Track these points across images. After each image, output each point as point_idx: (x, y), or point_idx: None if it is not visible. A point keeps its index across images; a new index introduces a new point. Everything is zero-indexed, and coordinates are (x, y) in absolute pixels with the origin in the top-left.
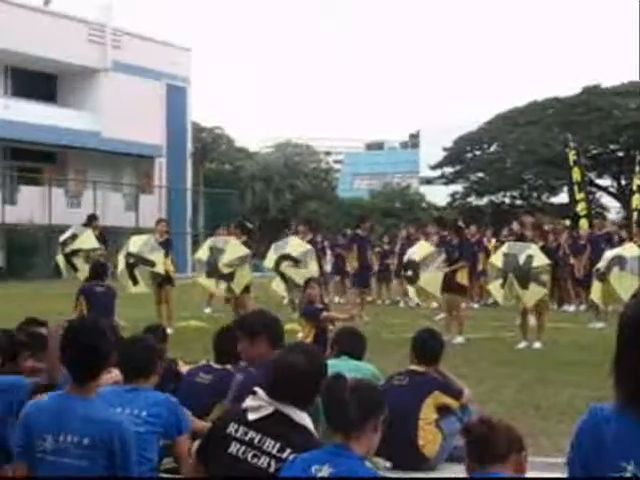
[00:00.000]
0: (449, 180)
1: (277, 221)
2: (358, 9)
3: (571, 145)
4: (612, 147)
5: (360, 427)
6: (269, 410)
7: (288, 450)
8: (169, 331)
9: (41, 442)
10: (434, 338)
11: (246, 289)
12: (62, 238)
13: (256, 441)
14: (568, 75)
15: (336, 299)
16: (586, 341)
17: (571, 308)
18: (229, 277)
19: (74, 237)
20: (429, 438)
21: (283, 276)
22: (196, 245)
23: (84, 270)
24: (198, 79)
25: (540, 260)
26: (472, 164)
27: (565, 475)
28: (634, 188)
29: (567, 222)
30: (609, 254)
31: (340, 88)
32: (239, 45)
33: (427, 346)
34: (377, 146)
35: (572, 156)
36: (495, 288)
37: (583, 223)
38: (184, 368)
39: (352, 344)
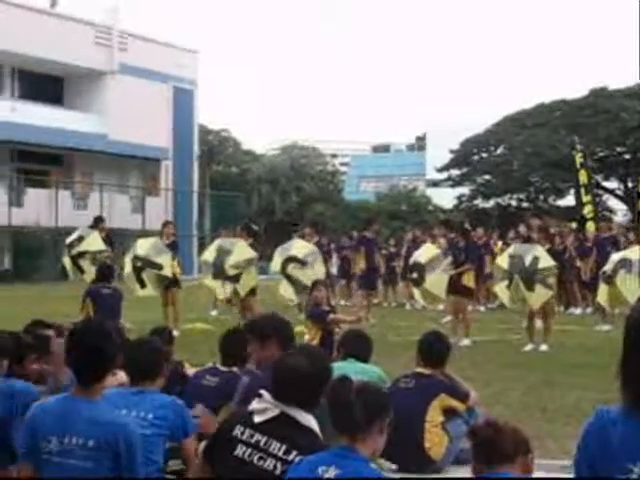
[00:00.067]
0: (455, 182)
1: (283, 223)
2: (363, 11)
3: (578, 147)
4: (619, 150)
5: (366, 429)
6: (275, 412)
7: (294, 452)
8: (175, 333)
9: (46, 444)
10: (440, 341)
11: (252, 292)
12: (69, 240)
13: (262, 443)
14: (575, 77)
15: (342, 302)
16: (592, 344)
17: (577, 311)
18: (235, 279)
19: (80, 239)
20: (435, 441)
21: (290, 279)
22: (202, 247)
23: (90, 272)
24: (205, 81)
25: (546, 262)
26: (479, 166)
27: (572, 477)
28: None
29: (573, 225)
30: (615, 257)
31: (346, 90)
32: (246, 47)
33: (433, 349)
34: (383, 148)
35: (579, 158)
36: (501, 290)
37: (590, 226)
38: (190, 370)
39: (358, 347)
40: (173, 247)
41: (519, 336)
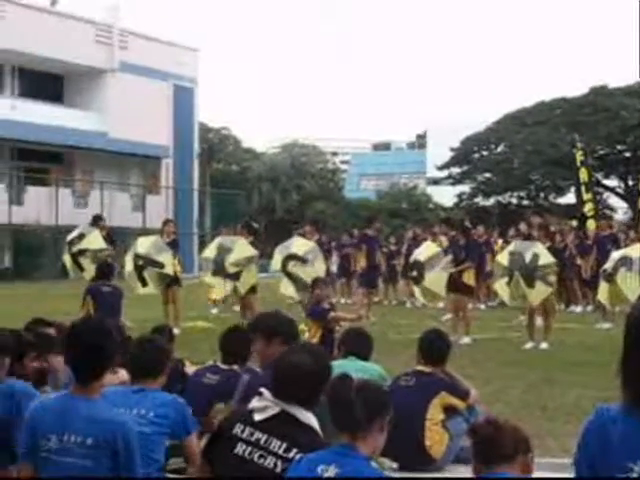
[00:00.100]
0: (456, 180)
1: (284, 222)
2: (364, 9)
3: (578, 145)
4: (619, 147)
5: (366, 427)
6: (275, 410)
7: (294, 450)
8: (176, 331)
9: (45, 442)
10: (441, 339)
11: (253, 290)
12: (69, 237)
13: (262, 441)
14: (575, 75)
15: (342, 300)
16: (593, 342)
17: (578, 309)
18: (235, 277)
19: (81, 237)
20: (436, 439)
21: (290, 276)
22: (203, 245)
23: (90, 270)
24: (205, 80)
25: (546, 258)
26: (479, 164)
27: (572, 476)
28: None
29: (574, 223)
30: (616, 255)
31: (347, 88)
32: (246, 45)
33: (434, 347)
34: (384, 146)
35: (579, 156)
36: (501, 287)
37: (590, 224)
38: (191, 369)
39: (359, 345)
40: (174, 245)
41: (519, 334)
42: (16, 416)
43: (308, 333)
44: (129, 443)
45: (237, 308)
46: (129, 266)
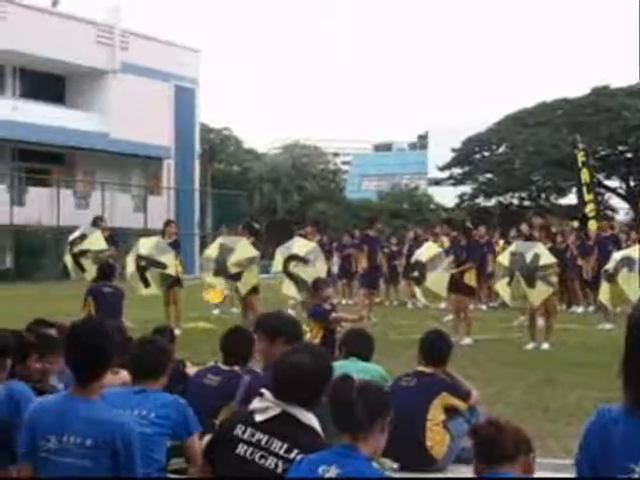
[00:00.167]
0: (457, 181)
1: (285, 222)
2: (365, 10)
3: (580, 146)
4: (621, 148)
5: (367, 428)
6: (276, 411)
7: (295, 451)
8: (177, 332)
9: (45, 442)
10: (442, 339)
11: (254, 290)
12: (71, 237)
13: (263, 442)
14: (577, 76)
15: (343, 301)
16: (594, 342)
17: (579, 309)
18: (237, 277)
19: (83, 237)
20: (437, 439)
21: (292, 277)
22: (204, 246)
23: (92, 271)
24: (206, 80)
25: (547, 258)
26: (480, 165)
27: (573, 476)
28: None
29: (575, 223)
30: (617, 255)
31: (348, 89)
32: (247, 46)
33: (435, 347)
34: (385, 147)
35: (581, 157)
36: (502, 287)
37: (592, 224)
38: (192, 369)
39: (360, 345)
40: (175, 246)
41: (520, 334)
42: (16, 417)
43: (310, 334)
44: (129, 444)
45: (235, 310)
46: (131, 267)
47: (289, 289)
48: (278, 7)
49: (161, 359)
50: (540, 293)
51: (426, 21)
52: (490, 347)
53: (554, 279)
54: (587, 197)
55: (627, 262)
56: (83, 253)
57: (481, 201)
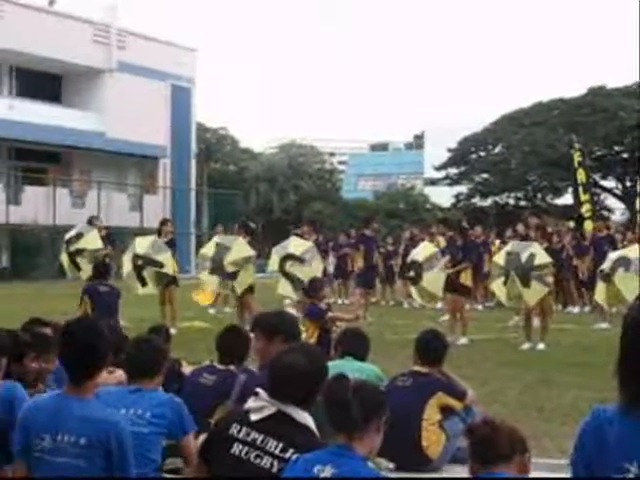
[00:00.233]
0: (453, 181)
1: (281, 222)
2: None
3: (576, 146)
4: (617, 148)
5: (363, 427)
6: (271, 410)
7: (291, 450)
8: (172, 331)
9: (39, 441)
10: (438, 339)
11: (250, 290)
12: (67, 236)
13: (259, 442)
14: (573, 76)
15: (339, 301)
16: (590, 342)
17: (575, 309)
18: (233, 276)
19: (79, 236)
20: (433, 439)
21: (288, 276)
22: (200, 245)
23: (87, 270)
24: (203, 80)
25: (542, 258)
26: (476, 165)
27: (569, 476)
28: (638, 190)
29: (571, 223)
30: (613, 255)
31: (344, 89)
32: (244, 46)
33: (431, 347)
34: (381, 147)
35: (577, 157)
36: (497, 287)
37: (588, 225)
38: (187, 369)
39: (356, 345)
40: (171, 245)
41: (516, 334)
42: (11, 417)
43: (306, 333)
44: (122, 443)
45: (229, 309)
46: (127, 266)
47: (285, 288)
48: (274, 7)
49: (157, 358)
50: (535, 293)
51: (422, 21)
52: (486, 347)
53: (549, 279)
54: (583, 197)
55: (623, 262)
56: (79, 252)
57: (477, 201)
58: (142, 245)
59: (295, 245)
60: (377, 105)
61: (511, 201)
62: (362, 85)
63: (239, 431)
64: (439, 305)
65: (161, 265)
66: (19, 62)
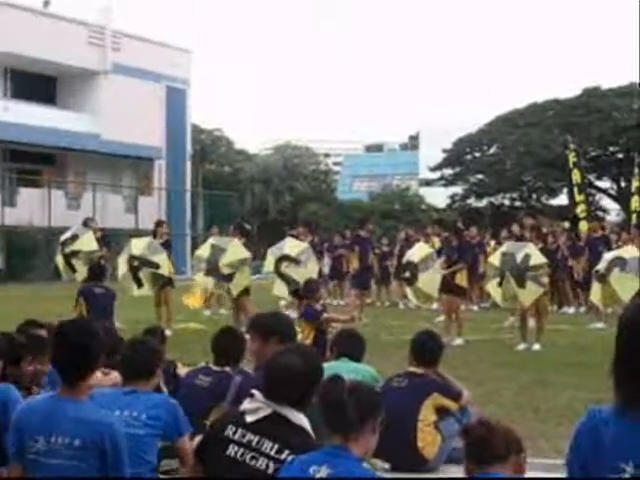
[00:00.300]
0: (448, 182)
1: (276, 223)
2: (356, 11)
3: (571, 147)
4: (612, 149)
5: (358, 428)
6: (267, 412)
7: (286, 451)
8: (168, 333)
9: (33, 443)
10: (433, 340)
11: (246, 291)
12: (63, 237)
13: (254, 443)
14: (568, 77)
15: (334, 302)
16: (585, 343)
17: (570, 310)
18: (228, 278)
19: (74, 238)
20: (428, 440)
21: (283, 277)
22: (195, 247)
23: (82, 272)
24: (198, 81)
25: (538, 259)
26: (471, 166)
27: (564, 476)
28: (633, 190)
29: (566, 224)
30: (608, 256)
31: (339, 90)
32: (239, 47)
33: (426, 348)
34: (376, 148)
35: (572, 158)
36: (493, 287)
37: (583, 225)
38: (183, 370)
39: (351, 346)
40: (166, 246)
41: (511, 335)
42: (5, 419)
43: (301, 334)
44: (117, 444)
45: (224, 311)
46: (123, 268)
47: (280, 289)
48: (268, 8)
49: (152, 360)
50: (531, 293)
51: (417, 23)
52: (481, 348)
53: (545, 279)
54: (578, 198)
55: (619, 262)
56: (74, 254)
57: (472, 202)
58: (138, 246)
59: (291, 246)
60: (372, 106)
61: (506, 202)
62: (357, 86)
63: (234, 432)
64: (434, 306)
65: (157, 266)
66: (14, 64)
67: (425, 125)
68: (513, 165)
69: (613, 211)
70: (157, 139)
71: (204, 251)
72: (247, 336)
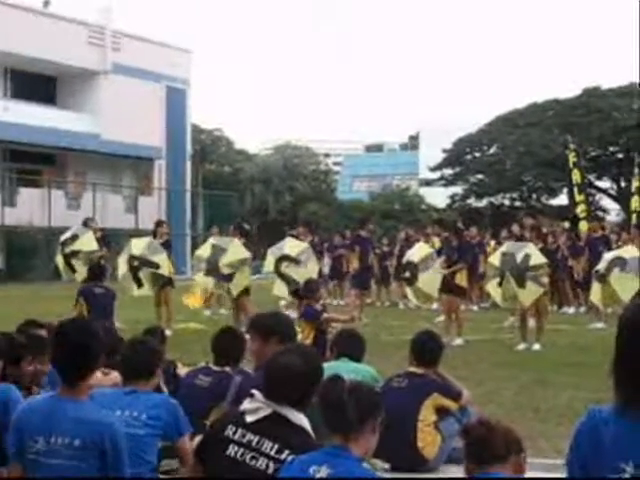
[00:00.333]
0: (448, 182)
1: (276, 223)
2: (356, 11)
3: (571, 147)
4: (612, 149)
5: (358, 428)
6: (267, 412)
7: (286, 451)
8: (168, 333)
9: (33, 443)
10: (433, 340)
11: (246, 291)
12: (63, 237)
13: (254, 443)
14: (568, 77)
15: (334, 302)
16: (585, 343)
17: (570, 310)
18: (228, 278)
19: (74, 238)
20: (428, 440)
21: (283, 277)
22: (195, 247)
23: (82, 272)
24: (198, 81)
25: (538, 259)
26: (471, 166)
27: (564, 476)
28: (633, 190)
29: (566, 224)
30: (608, 256)
31: (339, 90)
32: (239, 47)
33: (426, 348)
34: (376, 148)
35: (572, 158)
36: (493, 287)
37: (583, 225)
38: (183, 370)
39: (351, 346)
40: (166, 246)
41: (511, 335)
42: (5, 419)
43: (301, 334)
44: (117, 444)
45: (224, 311)
46: (123, 268)
47: (280, 289)
48: (268, 8)
49: (152, 360)
50: (531, 293)
51: (417, 23)
52: (481, 348)
53: (545, 279)
54: (578, 198)
55: (619, 262)
56: (74, 254)
57: (472, 202)
58: (138, 246)
59: (291, 246)
60: (372, 106)
61: (506, 202)
62: (357, 86)
63: (234, 432)
64: (434, 306)
65: (157, 266)
66: (14, 64)
67: (425, 125)
68: (513, 165)
69: (613, 211)
70: (157, 139)
71: (204, 251)
72: (247, 336)
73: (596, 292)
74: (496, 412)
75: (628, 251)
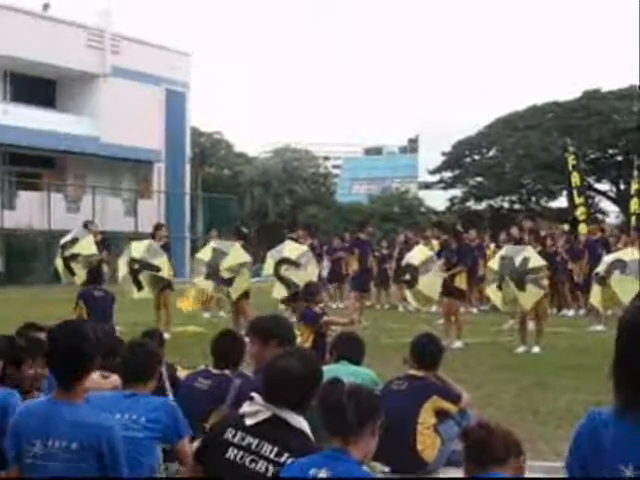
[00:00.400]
0: (448, 185)
1: (276, 226)
2: (356, 13)
3: (570, 149)
4: (611, 151)
5: (358, 431)
6: (266, 415)
7: (286, 454)
8: (166, 336)
9: (30, 447)
10: (433, 343)
11: (245, 295)
12: (63, 240)
13: (254, 446)
14: (568, 79)
15: (334, 305)
16: (584, 345)
17: (570, 313)
18: (228, 282)
19: (74, 241)
20: (428, 442)
21: (283, 280)
22: (195, 250)
23: (81, 275)
24: (197, 84)
25: (536, 261)
26: (471, 169)
27: (564, 479)
28: (632, 192)
29: (566, 227)
30: (608, 258)
31: (339, 93)
32: (238, 50)
33: (426, 351)
34: (376, 151)
35: (571, 160)
36: (493, 291)
37: (582, 228)
38: (182, 373)
39: (351, 349)
40: (165, 249)
41: (511, 338)
42: (3, 423)
43: (301, 337)
44: (114, 447)
45: (223, 314)
46: (123, 270)
47: (280, 292)
48: (268, 11)
49: (150, 362)
50: (531, 296)
51: (416, 25)
52: (481, 351)
53: (544, 282)
54: (577, 200)
55: (619, 265)
56: (74, 257)
57: (472, 204)
58: (138, 249)
59: (290, 249)
60: (371, 109)
61: (505, 204)
62: (356, 89)
63: (234, 435)
64: (434, 308)
65: (157, 269)
66: (13, 67)
67: (424, 128)
68: (512, 168)
69: (612, 213)
70: (156, 142)
71: (205, 254)
72: (246, 339)
73: (596, 294)
74: (495, 415)
75: (628, 253)
